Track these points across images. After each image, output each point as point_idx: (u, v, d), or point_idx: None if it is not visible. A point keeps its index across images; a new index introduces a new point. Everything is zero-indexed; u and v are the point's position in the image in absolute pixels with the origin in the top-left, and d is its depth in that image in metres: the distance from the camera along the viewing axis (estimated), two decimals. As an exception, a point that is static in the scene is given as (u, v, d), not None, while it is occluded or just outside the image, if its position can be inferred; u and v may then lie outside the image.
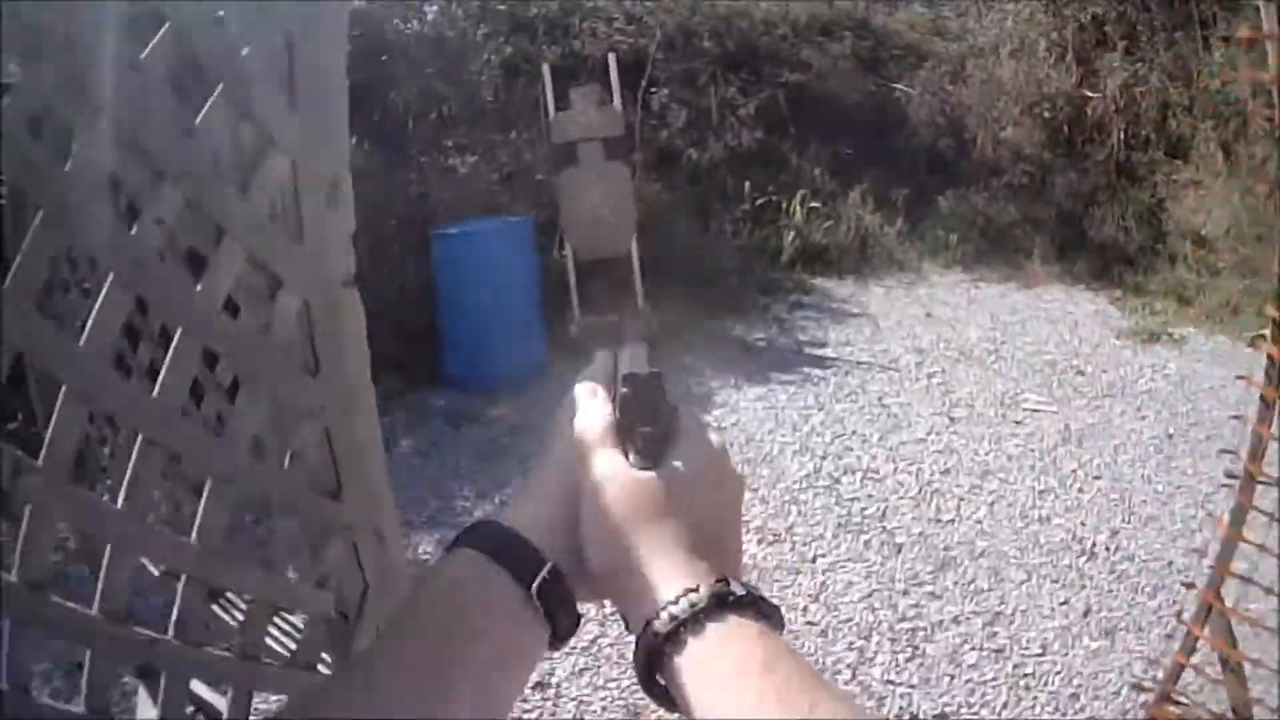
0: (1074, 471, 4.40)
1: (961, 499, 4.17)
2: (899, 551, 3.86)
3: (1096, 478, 4.38)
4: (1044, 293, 6.58)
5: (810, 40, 8.28)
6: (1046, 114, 7.65)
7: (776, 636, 0.53)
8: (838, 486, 4.24)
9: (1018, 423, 4.80)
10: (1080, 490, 4.28)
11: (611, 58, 5.42)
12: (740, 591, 0.53)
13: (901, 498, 4.18)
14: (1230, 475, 2.41)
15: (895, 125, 7.61)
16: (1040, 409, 4.92)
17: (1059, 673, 3.20)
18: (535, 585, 0.55)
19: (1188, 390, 5.24)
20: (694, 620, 0.52)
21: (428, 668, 0.53)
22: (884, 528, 3.99)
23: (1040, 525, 4.05)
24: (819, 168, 7.17)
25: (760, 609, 0.53)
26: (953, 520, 4.05)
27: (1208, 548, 2.54)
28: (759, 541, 3.85)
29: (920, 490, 4.22)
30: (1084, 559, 3.90)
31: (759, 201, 6.74)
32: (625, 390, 0.60)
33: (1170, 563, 3.93)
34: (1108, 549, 3.95)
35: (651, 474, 0.58)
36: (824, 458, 4.47)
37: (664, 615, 0.52)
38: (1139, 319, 6.19)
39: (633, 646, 0.54)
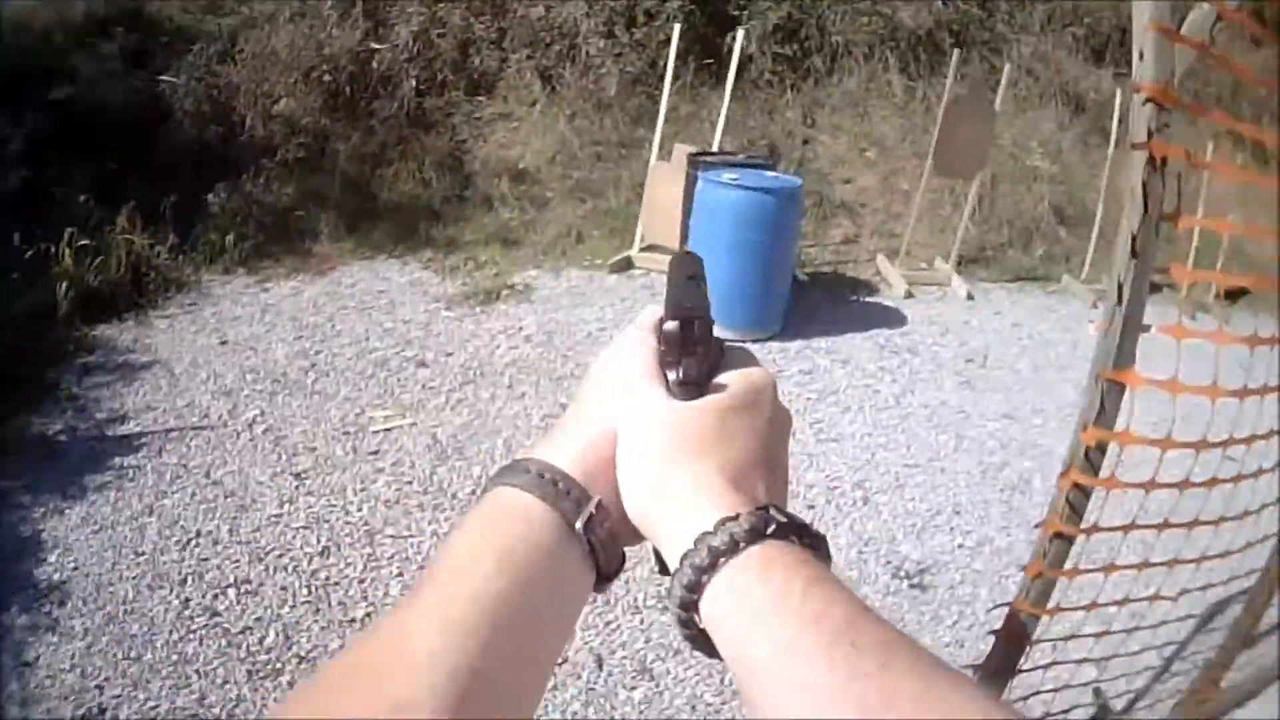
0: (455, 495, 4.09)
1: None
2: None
3: (473, 492, 4.12)
4: (343, 277, 6.10)
5: (82, 44, 7.00)
6: (326, 77, 7.11)
7: (820, 565, 0.47)
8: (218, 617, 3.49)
9: (375, 453, 4.34)
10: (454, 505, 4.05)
11: None
12: (782, 519, 0.48)
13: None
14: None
15: (159, 124, 6.65)
16: (392, 425, 4.55)
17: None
18: (582, 521, 0.50)
19: (557, 347, 5.26)
20: (732, 551, 0.46)
21: (466, 620, 0.44)
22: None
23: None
24: (84, 195, 5.89)
25: (804, 538, 0.48)
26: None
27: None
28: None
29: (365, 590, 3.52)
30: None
31: (29, 255, 5.41)
32: (669, 321, 0.55)
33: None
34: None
35: (692, 404, 0.53)
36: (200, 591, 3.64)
37: (702, 550, 0.46)
38: (464, 278, 6.02)
39: (669, 588, 0.48)
